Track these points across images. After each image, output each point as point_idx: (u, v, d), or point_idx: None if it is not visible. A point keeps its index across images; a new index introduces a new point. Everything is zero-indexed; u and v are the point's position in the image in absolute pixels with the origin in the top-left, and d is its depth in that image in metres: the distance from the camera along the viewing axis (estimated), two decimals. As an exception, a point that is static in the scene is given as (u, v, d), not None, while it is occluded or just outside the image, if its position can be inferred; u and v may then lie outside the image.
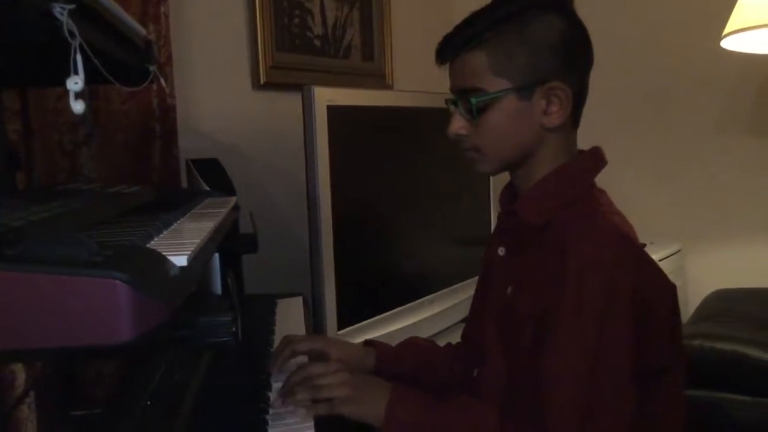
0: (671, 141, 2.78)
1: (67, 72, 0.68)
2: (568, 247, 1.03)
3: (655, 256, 1.14)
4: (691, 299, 2.59)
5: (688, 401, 1.17)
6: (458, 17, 1.17)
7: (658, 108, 2.78)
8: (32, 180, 1.35)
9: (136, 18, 1.46)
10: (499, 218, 1.31)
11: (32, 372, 0.85)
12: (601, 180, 1.19)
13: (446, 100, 1.19)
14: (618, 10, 2.71)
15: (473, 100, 1.12)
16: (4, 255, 0.52)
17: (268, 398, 1.14)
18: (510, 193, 1.25)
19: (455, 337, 1.55)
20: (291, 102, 1.79)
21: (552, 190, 1.14)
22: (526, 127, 1.13)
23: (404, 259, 2.02)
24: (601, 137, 1.22)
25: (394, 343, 1.43)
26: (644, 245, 1.11)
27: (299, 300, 1.70)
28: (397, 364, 1.34)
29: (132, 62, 1.01)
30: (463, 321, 2.17)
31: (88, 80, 0.69)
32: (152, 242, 0.74)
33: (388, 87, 2.63)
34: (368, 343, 1.41)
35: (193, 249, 0.70)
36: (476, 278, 1.37)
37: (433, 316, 2.08)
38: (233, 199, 1.34)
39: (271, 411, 1.09)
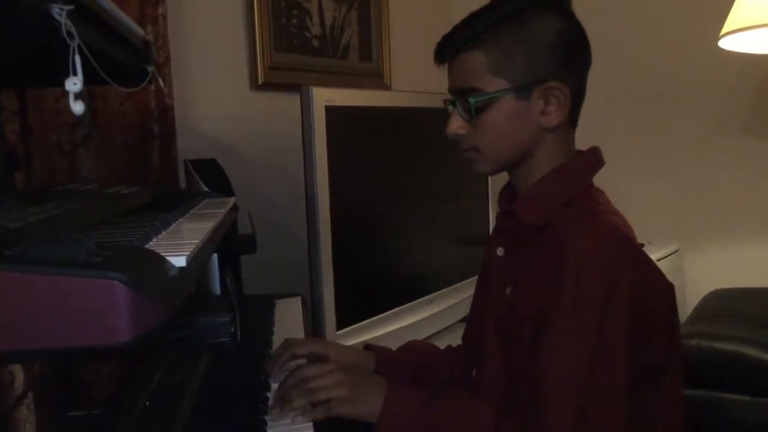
0: (669, 141, 2.78)
1: (65, 73, 0.68)
2: (567, 247, 1.03)
3: (653, 256, 1.14)
4: (689, 299, 2.59)
5: (686, 401, 1.17)
6: (456, 17, 1.17)
7: (655, 108, 2.78)
8: (31, 180, 1.35)
9: (134, 19, 1.46)
10: (497, 218, 1.31)
11: (31, 373, 0.85)
12: (599, 180, 1.19)
13: (444, 101, 1.20)
14: (616, 10, 2.71)
15: (471, 100, 1.12)
16: (3, 256, 0.52)
17: (267, 398, 1.14)
18: (509, 194, 1.25)
19: (454, 337, 1.55)
20: (289, 102, 1.79)
21: (551, 190, 1.14)
22: (525, 127, 1.13)
23: (403, 260, 2.02)
24: (599, 137, 1.22)
25: (392, 343, 1.43)
26: (642, 245, 1.11)
27: (298, 300, 1.70)
28: (397, 368, 1.34)
29: (130, 63, 1.02)
30: (461, 321, 2.18)
31: (87, 81, 0.69)
32: (151, 243, 0.74)
33: (387, 87, 2.63)
34: (368, 347, 1.41)
35: (191, 249, 0.70)
36: (475, 278, 1.37)
37: (432, 316, 2.08)
38: (232, 200, 1.34)
39: (269, 411, 1.09)
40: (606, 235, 1.06)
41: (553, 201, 1.13)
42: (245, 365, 1.28)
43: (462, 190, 2.24)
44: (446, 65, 1.17)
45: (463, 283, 2.20)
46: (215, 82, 1.99)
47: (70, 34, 0.66)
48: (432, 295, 2.09)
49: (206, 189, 1.54)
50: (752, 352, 1.95)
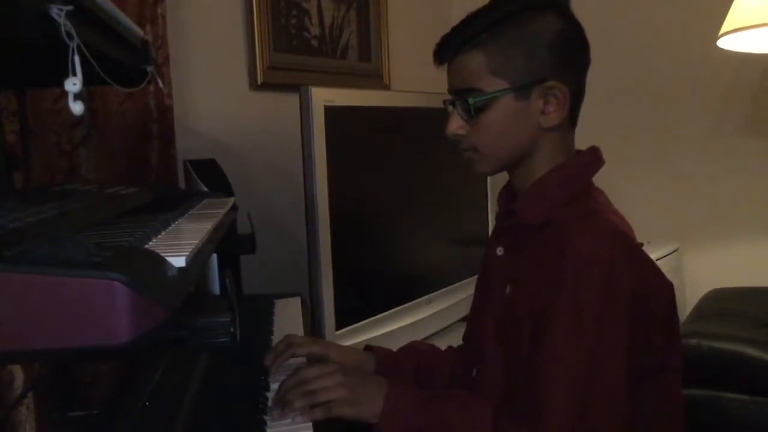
0: (668, 140, 2.78)
1: (65, 73, 0.68)
2: (567, 246, 1.03)
3: (652, 256, 1.14)
4: (688, 298, 2.59)
5: (685, 400, 1.17)
6: (456, 17, 1.17)
7: (654, 107, 2.78)
8: (30, 181, 1.35)
9: (133, 19, 1.46)
10: (497, 218, 1.31)
11: (31, 373, 0.85)
12: (598, 179, 1.19)
13: (444, 101, 1.20)
14: (615, 10, 2.71)
15: (471, 101, 1.12)
16: (3, 256, 0.52)
17: (267, 399, 1.14)
18: (508, 193, 1.25)
19: (453, 337, 1.55)
20: (288, 102, 1.79)
21: (550, 190, 1.15)
22: (524, 126, 1.13)
23: (402, 259, 2.02)
24: (598, 137, 1.22)
25: (392, 343, 1.44)
26: (641, 244, 1.11)
27: (297, 300, 1.70)
28: (397, 369, 1.34)
29: (129, 63, 1.02)
30: (460, 321, 2.19)
31: (86, 81, 0.70)
32: (150, 243, 0.74)
33: (386, 87, 2.63)
34: (368, 348, 1.41)
35: (191, 250, 0.70)
36: (473, 278, 1.38)
37: (431, 316, 2.08)
38: (231, 200, 1.34)
39: (269, 412, 1.09)
40: (606, 235, 1.06)
41: (553, 200, 1.13)
42: (245, 365, 1.28)
43: (461, 189, 2.25)
44: (446, 66, 1.17)
45: (462, 282, 2.20)
46: (214, 83, 1.99)
47: (69, 34, 0.66)
48: (431, 295, 2.09)
49: (205, 189, 1.54)
50: (752, 351, 1.95)
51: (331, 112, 1.65)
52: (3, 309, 0.51)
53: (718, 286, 2.53)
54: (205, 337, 0.85)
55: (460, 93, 1.15)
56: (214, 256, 1.43)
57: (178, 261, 0.65)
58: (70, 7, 0.66)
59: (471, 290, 1.58)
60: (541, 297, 1.05)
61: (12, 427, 0.83)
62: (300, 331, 1.48)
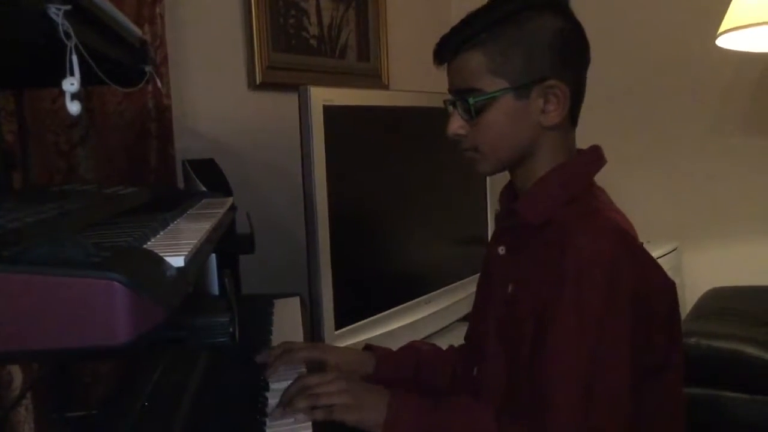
0: (667, 139, 2.78)
1: (62, 73, 0.68)
2: (568, 245, 1.03)
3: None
4: (687, 297, 2.59)
5: (685, 399, 1.17)
6: (455, 17, 1.17)
7: (653, 106, 2.78)
8: (29, 181, 1.35)
9: (132, 18, 1.46)
10: (499, 217, 1.31)
11: (29, 373, 0.85)
12: (597, 178, 1.19)
13: (444, 101, 1.20)
14: (613, 9, 2.71)
15: (471, 101, 1.12)
16: (1, 256, 0.52)
17: (266, 398, 1.14)
18: (510, 193, 1.25)
19: (453, 337, 1.55)
20: (287, 102, 1.79)
21: (552, 189, 1.14)
22: (524, 126, 1.13)
23: (401, 259, 2.02)
24: (597, 136, 1.22)
25: (391, 342, 1.43)
26: (641, 243, 1.11)
27: (296, 300, 1.70)
28: (398, 368, 1.34)
29: (128, 63, 1.01)
30: (460, 320, 2.19)
31: (84, 81, 0.69)
32: (149, 243, 0.74)
33: (384, 87, 2.63)
34: (368, 348, 1.41)
35: (190, 250, 0.70)
36: (473, 278, 1.38)
37: (430, 315, 2.08)
38: (230, 200, 1.34)
39: (268, 412, 1.09)
40: (607, 233, 1.05)
41: (555, 199, 1.13)
42: (244, 365, 1.28)
43: (460, 189, 2.24)
44: (445, 66, 1.17)
45: (461, 282, 2.20)
46: (213, 82, 1.99)
47: (67, 34, 0.66)
48: (430, 294, 2.09)
49: (204, 189, 1.54)
50: (751, 350, 1.95)
51: (329, 111, 1.65)
52: (2, 309, 0.51)
53: (718, 285, 2.54)
54: (204, 337, 0.85)
55: (460, 93, 1.15)
56: (213, 256, 1.43)
57: (177, 261, 0.65)
58: (68, 7, 0.66)
59: (470, 290, 1.58)
60: (543, 296, 1.05)
61: (11, 427, 0.83)
62: (299, 330, 1.48)
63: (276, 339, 1.41)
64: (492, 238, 1.32)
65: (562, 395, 1.00)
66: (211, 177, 1.59)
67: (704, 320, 2.18)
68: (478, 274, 1.35)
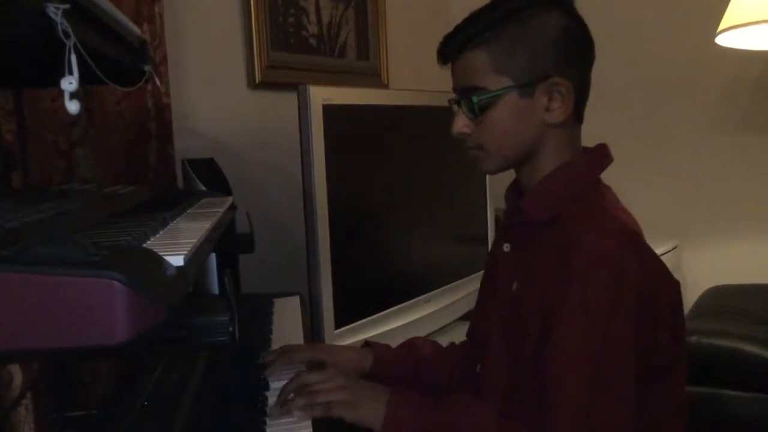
0: (667, 137, 2.78)
1: (61, 72, 0.68)
2: (574, 243, 1.03)
3: (651, 253, 1.14)
4: (688, 296, 2.59)
5: (687, 398, 1.17)
6: (455, 15, 1.17)
7: (653, 104, 2.78)
8: (28, 180, 1.35)
9: (131, 18, 1.46)
10: (504, 215, 1.30)
11: (29, 373, 0.85)
12: (598, 177, 1.19)
13: (449, 100, 1.19)
14: (612, 7, 2.71)
15: (475, 99, 1.12)
16: (0, 256, 0.52)
17: (266, 398, 1.14)
18: (515, 191, 1.24)
19: (452, 336, 1.55)
20: (287, 101, 1.79)
21: (558, 187, 1.14)
22: (529, 124, 1.13)
23: (401, 258, 2.02)
24: (596, 134, 1.22)
25: (391, 342, 1.43)
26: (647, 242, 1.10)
27: (296, 299, 1.70)
28: (397, 365, 1.34)
29: (127, 62, 1.01)
30: (460, 319, 2.18)
31: (83, 80, 0.69)
32: (149, 242, 0.74)
33: (384, 86, 2.63)
34: (367, 344, 1.41)
35: (189, 249, 0.70)
36: (473, 276, 1.38)
37: (430, 314, 2.08)
38: (229, 199, 1.34)
39: (268, 412, 1.09)
40: (613, 232, 1.05)
41: (560, 197, 1.13)
42: (244, 365, 1.27)
43: (460, 188, 2.24)
44: (449, 65, 1.17)
45: (461, 281, 2.20)
46: (212, 81, 1.98)
47: (66, 33, 0.66)
48: (430, 293, 2.09)
49: (204, 188, 1.54)
50: (751, 348, 1.95)
51: (329, 110, 1.65)
52: (1, 308, 0.51)
53: (718, 284, 2.54)
54: (203, 336, 0.84)
55: (464, 92, 1.15)
56: (213, 255, 1.43)
57: (177, 260, 0.65)
58: (66, 6, 0.66)
59: (470, 289, 1.58)
60: (548, 294, 1.05)
61: (11, 427, 0.83)
62: (299, 330, 1.48)
63: (276, 338, 1.41)
64: (497, 235, 1.32)
65: (565, 395, 1.00)
66: (210, 176, 1.59)
67: (704, 318, 2.18)
68: (478, 273, 1.35)
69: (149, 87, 1.65)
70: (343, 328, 1.73)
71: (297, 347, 1.31)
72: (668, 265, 1.11)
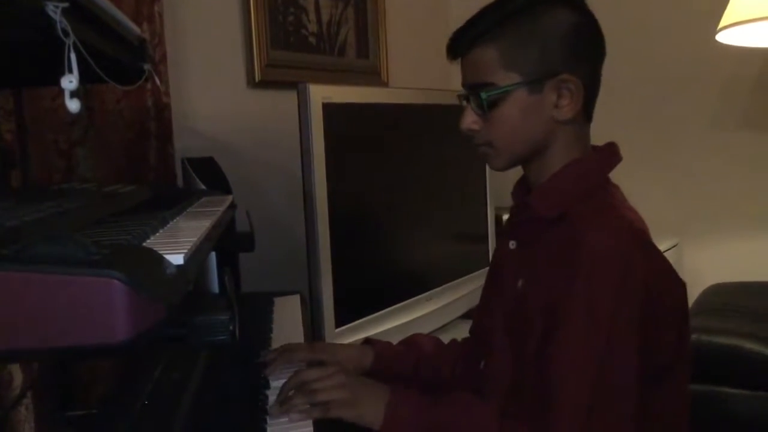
0: (667, 135, 2.78)
1: (61, 71, 0.67)
2: (581, 242, 1.03)
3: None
4: (688, 293, 2.58)
5: (690, 397, 1.16)
6: (454, 14, 1.17)
7: (653, 101, 2.78)
8: (28, 180, 1.34)
9: (130, 17, 1.45)
10: (511, 212, 1.30)
11: (29, 373, 0.85)
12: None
13: (458, 96, 1.19)
14: (612, 5, 2.70)
15: (484, 95, 1.12)
16: (1, 255, 0.52)
17: (266, 396, 1.14)
18: (523, 187, 1.24)
19: (453, 334, 1.55)
20: (286, 100, 1.79)
21: (566, 184, 1.14)
22: (538, 120, 1.13)
23: (401, 257, 2.02)
24: (596, 131, 1.21)
25: (392, 340, 1.43)
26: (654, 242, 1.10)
27: (296, 298, 1.70)
28: (398, 362, 1.34)
29: (126, 61, 1.01)
30: (460, 318, 2.18)
31: (83, 79, 0.69)
32: (149, 241, 0.74)
33: (384, 84, 2.62)
34: (368, 341, 1.41)
35: (189, 248, 0.70)
36: (473, 275, 1.38)
37: (431, 313, 2.08)
38: (229, 198, 1.34)
39: (268, 410, 1.09)
40: (620, 231, 1.05)
41: (568, 194, 1.13)
42: (244, 363, 1.27)
43: (460, 186, 2.24)
44: (458, 60, 1.17)
45: (461, 279, 2.20)
46: (212, 80, 1.98)
47: (65, 31, 0.66)
48: (431, 291, 2.09)
49: (204, 187, 1.54)
50: (752, 346, 1.95)
51: (329, 109, 1.65)
52: (1, 308, 0.51)
53: (718, 281, 2.53)
54: (204, 335, 0.84)
55: (473, 87, 1.14)
56: (213, 254, 1.43)
57: (177, 259, 0.65)
58: (65, 4, 0.66)
59: (471, 287, 1.58)
60: (554, 293, 1.04)
61: (11, 426, 0.83)
62: (299, 329, 1.48)
63: (276, 337, 1.41)
64: (502, 232, 1.32)
65: (567, 394, 0.99)
66: (210, 175, 1.59)
67: (705, 316, 2.18)
68: (479, 271, 1.35)
69: (149, 86, 1.65)
70: (343, 327, 1.73)
71: (297, 346, 1.31)
72: (669, 262, 1.11)
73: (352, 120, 1.78)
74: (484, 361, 1.23)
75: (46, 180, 1.43)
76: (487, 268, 1.37)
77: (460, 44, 1.15)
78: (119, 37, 0.95)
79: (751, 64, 2.57)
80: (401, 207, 2.00)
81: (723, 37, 2.15)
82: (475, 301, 1.37)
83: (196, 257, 0.74)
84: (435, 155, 2.02)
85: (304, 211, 1.65)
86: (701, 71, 2.65)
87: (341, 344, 1.56)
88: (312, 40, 2.33)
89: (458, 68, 1.19)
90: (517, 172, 1.24)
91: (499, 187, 2.21)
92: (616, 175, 1.19)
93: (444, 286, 2.14)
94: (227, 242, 1.24)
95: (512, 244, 1.22)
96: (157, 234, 0.80)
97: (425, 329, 2.03)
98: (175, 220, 0.93)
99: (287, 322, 1.52)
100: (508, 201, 1.29)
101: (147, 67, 1.06)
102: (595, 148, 1.19)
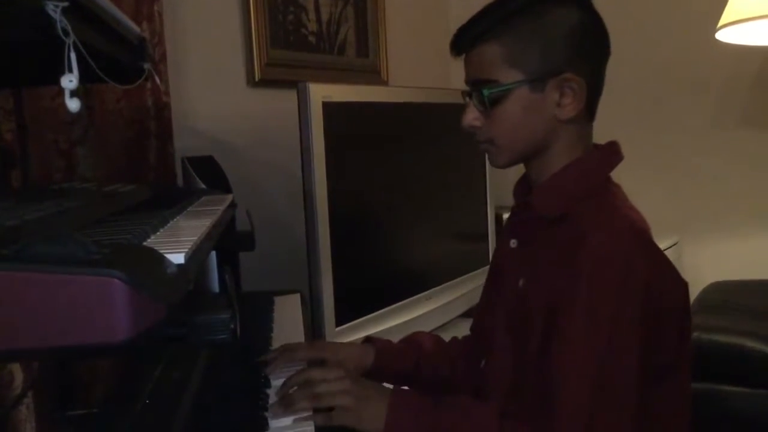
0: (667, 133, 2.78)
1: (61, 70, 0.67)
2: (582, 241, 1.02)
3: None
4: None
5: (692, 396, 1.16)
6: (454, 13, 1.17)
7: (653, 100, 2.78)
8: (28, 179, 1.35)
9: (130, 16, 1.46)
10: (512, 210, 1.30)
11: (30, 372, 0.85)
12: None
13: (462, 92, 1.19)
14: (612, 4, 2.70)
15: (486, 92, 1.11)
16: (1, 254, 0.52)
17: (267, 395, 1.14)
18: (524, 186, 1.23)
19: (453, 333, 1.55)
20: (286, 99, 1.79)
21: (568, 183, 1.14)
22: (540, 118, 1.12)
23: (401, 255, 2.02)
24: (596, 130, 1.21)
25: (393, 339, 1.43)
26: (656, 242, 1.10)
27: (297, 297, 1.70)
28: (398, 360, 1.34)
29: (126, 60, 1.01)
30: (460, 316, 2.19)
31: (83, 79, 0.69)
32: (149, 240, 0.74)
33: (384, 83, 2.63)
34: (368, 339, 1.40)
35: (190, 247, 0.70)
36: (473, 274, 1.37)
37: (431, 311, 2.08)
38: (230, 197, 1.34)
39: (270, 409, 1.09)
40: (622, 230, 1.05)
41: (570, 194, 1.12)
42: (245, 363, 1.27)
43: (460, 185, 2.24)
44: (462, 57, 1.17)
45: (462, 278, 2.20)
46: (212, 79, 1.98)
47: (65, 31, 0.66)
48: (431, 290, 2.09)
49: (204, 186, 1.54)
50: (752, 344, 1.95)
51: (329, 108, 1.65)
52: (1, 307, 0.51)
53: (718, 279, 2.53)
54: (204, 334, 0.84)
55: (475, 84, 1.14)
56: (213, 253, 1.43)
57: (177, 258, 0.65)
58: (65, 3, 0.66)
59: (471, 286, 1.57)
60: (555, 292, 1.04)
61: (12, 426, 0.83)
62: (300, 328, 1.48)
63: (276, 336, 1.41)
64: (503, 231, 1.32)
65: (568, 395, 0.99)
66: (210, 174, 1.59)
67: (705, 314, 2.18)
68: (479, 270, 1.35)
69: (149, 85, 1.65)
70: (343, 326, 1.73)
71: (298, 345, 1.31)
72: (669, 261, 1.11)
73: (352, 119, 1.78)
74: (484, 360, 1.23)
75: (46, 179, 1.43)
76: (488, 267, 1.37)
77: (464, 41, 1.15)
78: (119, 36, 0.95)
79: (750, 62, 2.57)
80: (401, 206, 2.00)
81: (722, 36, 2.15)
82: (475, 300, 1.37)
83: (196, 256, 0.74)
84: (435, 154, 2.02)
85: (304, 210, 1.65)
86: (701, 70, 2.65)
87: (342, 343, 1.55)
88: (312, 39, 2.33)
89: (458, 67, 1.19)
90: (517, 171, 1.23)
91: (500, 185, 2.21)
92: (617, 173, 1.19)
93: (444, 284, 2.14)
94: (227, 241, 1.24)
95: (513, 243, 1.22)
96: (158, 233, 0.80)
97: (425, 328, 2.03)
98: (175, 220, 0.93)
99: (287, 321, 1.52)
100: (509, 200, 1.29)
101: (147, 66, 1.06)
102: (596, 146, 1.19)
